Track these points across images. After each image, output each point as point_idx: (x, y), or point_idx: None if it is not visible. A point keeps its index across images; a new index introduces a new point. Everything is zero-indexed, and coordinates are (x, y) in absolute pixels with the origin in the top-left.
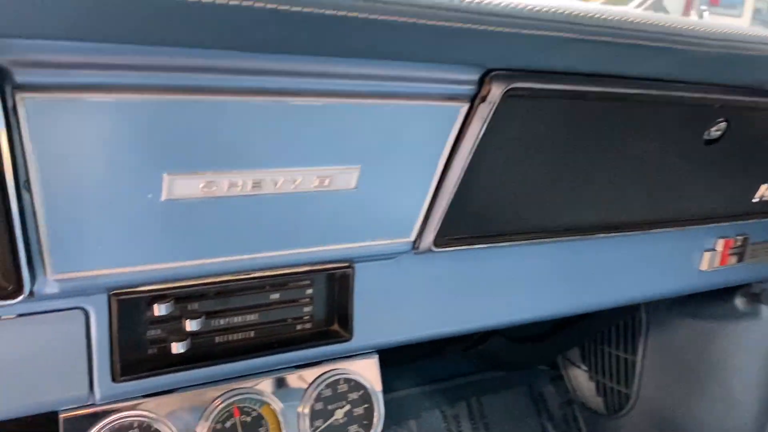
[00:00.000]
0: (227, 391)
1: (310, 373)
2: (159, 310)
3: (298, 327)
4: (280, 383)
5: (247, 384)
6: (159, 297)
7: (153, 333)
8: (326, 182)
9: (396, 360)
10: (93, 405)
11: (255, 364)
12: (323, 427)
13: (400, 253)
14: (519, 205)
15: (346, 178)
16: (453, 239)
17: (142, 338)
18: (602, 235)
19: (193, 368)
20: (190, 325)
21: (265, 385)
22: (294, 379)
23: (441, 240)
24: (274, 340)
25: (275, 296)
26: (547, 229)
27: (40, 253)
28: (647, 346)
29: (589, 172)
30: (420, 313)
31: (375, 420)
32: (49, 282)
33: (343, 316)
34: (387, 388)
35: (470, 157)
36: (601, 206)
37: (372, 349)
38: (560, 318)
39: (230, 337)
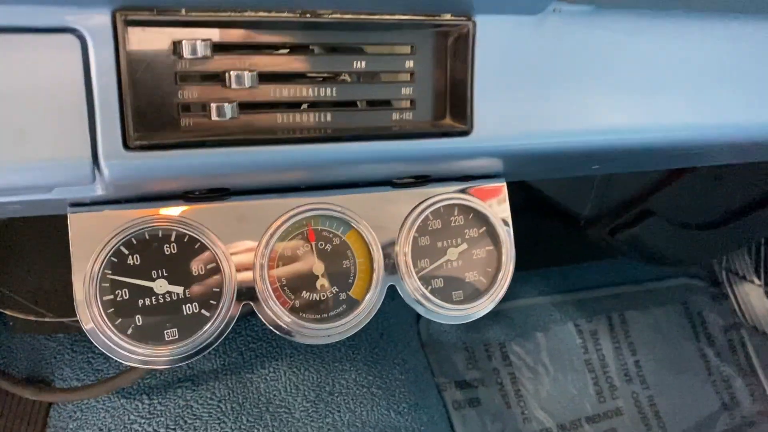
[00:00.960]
0: (299, 206)
1: (413, 195)
2: (188, 50)
3: (395, 116)
4: (372, 205)
5: (328, 200)
6: (186, 26)
7: (185, 95)
8: None
9: (521, 264)
10: (113, 204)
11: (331, 157)
12: (430, 268)
13: None
14: None
15: None
16: None
17: (170, 101)
18: None
19: (239, 144)
20: (237, 82)
21: (352, 203)
22: (391, 202)
23: None
24: (359, 127)
25: (360, 64)
26: None
27: None
28: None
29: None
30: (565, 108)
31: (503, 267)
32: None
33: (458, 98)
34: (511, 295)
35: None
36: None
37: (496, 155)
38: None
39: (297, 118)
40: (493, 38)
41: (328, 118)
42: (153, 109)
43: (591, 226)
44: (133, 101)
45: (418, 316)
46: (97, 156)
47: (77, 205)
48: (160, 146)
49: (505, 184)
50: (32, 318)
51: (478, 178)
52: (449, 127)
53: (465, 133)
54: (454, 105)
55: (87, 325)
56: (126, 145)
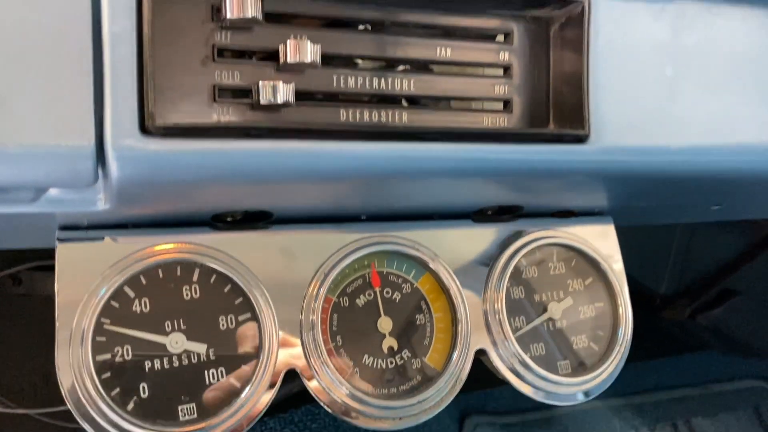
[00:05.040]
0: (361, 239)
1: (501, 232)
2: (233, 8)
3: (486, 120)
4: (451, 243)
5: (396, 234)
6: None
7: (223, 73)
8: None
9: None
10: (117, 229)
11: (408, 163)
12: (527, 328)
13: None
14: None
15: None
16: None
17: (201, 79)
18: None
19: (294, 135)
20: (296, 53)
21: (425, 239)
22: (474, 239)
23: None
24: (446, 127)
25: (444, 52)
26: None
27: None
28: None
29: None
30: (702, 113)
31: (619, 330)
32: None
33: (569, 97)
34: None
35: None
36: None
37: (616, 172)
38: None
39: (364, 116)
40: (612, 22)
41: (404, 118)
42: (178, 87)
43: (668, 306)
44: (153, 74)
45: (461, 424)
46: (103, 141)
47: (70, 228)
48: (190, 131)
49: (613, 224)
50: None
51: (579, 215)
52: (560, 133)
53: (581, 140)
54: (561, 107)
55: (70, 395)
56: (144, 128)
